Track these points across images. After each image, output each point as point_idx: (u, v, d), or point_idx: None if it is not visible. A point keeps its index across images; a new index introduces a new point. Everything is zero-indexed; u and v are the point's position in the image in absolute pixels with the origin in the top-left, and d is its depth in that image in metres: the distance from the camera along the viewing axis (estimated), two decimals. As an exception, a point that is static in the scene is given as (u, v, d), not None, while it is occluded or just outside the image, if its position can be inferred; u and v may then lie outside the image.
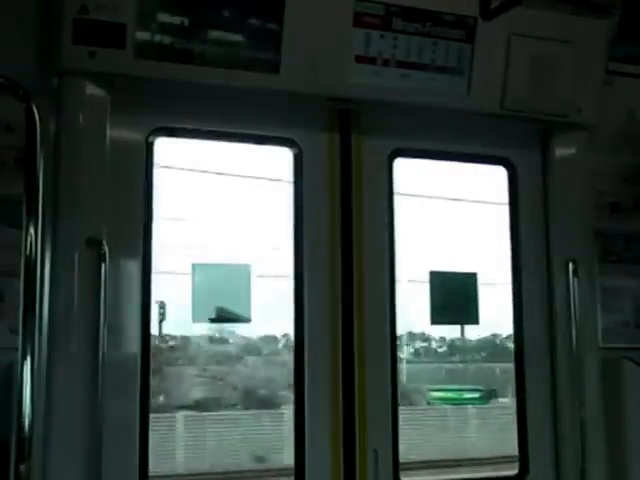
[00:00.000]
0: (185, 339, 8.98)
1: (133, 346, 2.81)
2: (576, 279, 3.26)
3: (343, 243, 3.12)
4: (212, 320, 3.15)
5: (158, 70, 2.77)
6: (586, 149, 3.40)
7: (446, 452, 9.86)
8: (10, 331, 2.37)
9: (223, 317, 3.09)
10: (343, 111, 3.17)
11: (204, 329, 8.67)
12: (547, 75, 3.23)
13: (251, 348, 9.43)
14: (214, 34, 2.82)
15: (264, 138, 3.14)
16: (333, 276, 3.09)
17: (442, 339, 11.12)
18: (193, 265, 3.00)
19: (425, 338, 10.76)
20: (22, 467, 2.03)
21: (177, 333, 8.10)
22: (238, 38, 2.86)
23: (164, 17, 2.77)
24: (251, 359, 9.49)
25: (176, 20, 2.78)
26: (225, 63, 2.84)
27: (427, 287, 3.32)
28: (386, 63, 3.05)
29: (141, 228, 2.88)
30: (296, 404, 3.05)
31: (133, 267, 2.85)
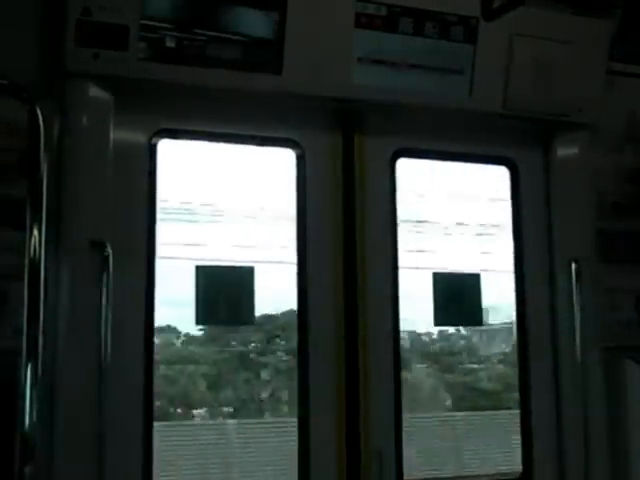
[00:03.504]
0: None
1: (137, 348, 2.81)
2: (579, 279, 3.26)
3: (346, 244, 3.12)
4: (216, 322, 3.15)
5: (161, 72, 2.77)
6: (588, 149, 3.41)
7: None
8: (14, 333, 2.37)
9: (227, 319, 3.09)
10: (345, 112, 3.17)
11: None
12: (549, 75, 3.24)
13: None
14: (217, 35, 2.82)
15: (267, 139, 3.14)
16: (336, 277, 3.09)
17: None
18: (197, 267, 3.00)
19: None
20: (26, 470, 2.02)
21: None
22: (241, 39, 2.86)
23: (167, 19, 2.77)
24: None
25: (179, 22, 2.78)
26: (228, 65, 2.84)
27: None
28: (388, 64, 3.05)
29: (145, 230, 2.88)
30: (299, 405, 3.05)
31: (137, 269, 2.84)
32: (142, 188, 2.89)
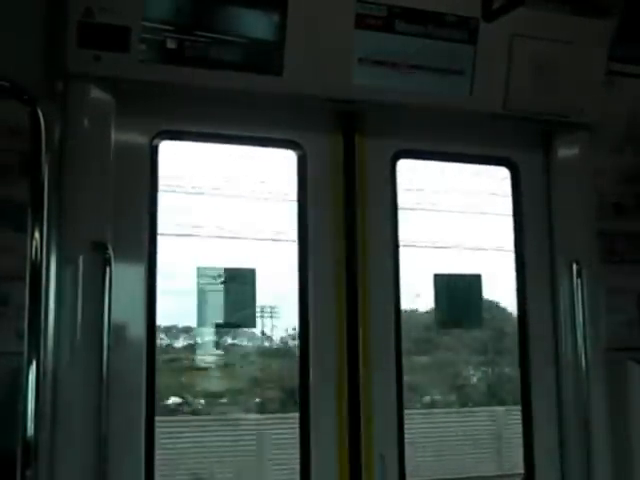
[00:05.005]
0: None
1: (138, 349, 2.80)
2: (580, 280, 3.25)
3: (347, 245, 3.11)
4: (217, 325, 3.15)
5: (162, 73, 2.77)
6: (588, 149, 3.41)
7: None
8: (16, 335, 2.36)
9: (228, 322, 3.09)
10: (346, 113, 3.17)
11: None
12: (549, 76, 3.24)
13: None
14: (218, 37, 2.82)
15: (268, 140, 3.15)
16: (338, 278, 3.09)
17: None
18: (198, 268, 3.00)
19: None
20: (28, 472, 2.02)
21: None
22: (241, 41, 2.86)
23: (168, 20, 2.77)
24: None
25: (180, 23, 2.78)
26: (229, 66, 2.84)
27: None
28: (389, 65, 3.05)
29: (146, 231, 2.88)
30: (301, 408, 3.04)
31: (138, 270, 2.84)
32: (143, 189, 2.89)
